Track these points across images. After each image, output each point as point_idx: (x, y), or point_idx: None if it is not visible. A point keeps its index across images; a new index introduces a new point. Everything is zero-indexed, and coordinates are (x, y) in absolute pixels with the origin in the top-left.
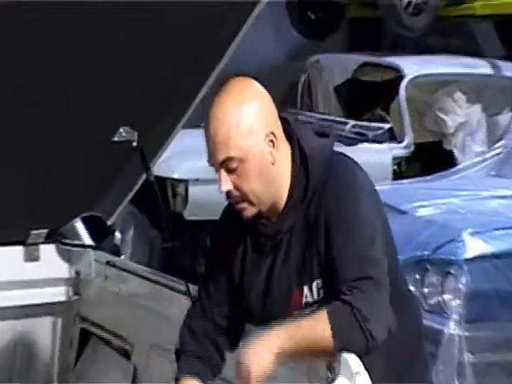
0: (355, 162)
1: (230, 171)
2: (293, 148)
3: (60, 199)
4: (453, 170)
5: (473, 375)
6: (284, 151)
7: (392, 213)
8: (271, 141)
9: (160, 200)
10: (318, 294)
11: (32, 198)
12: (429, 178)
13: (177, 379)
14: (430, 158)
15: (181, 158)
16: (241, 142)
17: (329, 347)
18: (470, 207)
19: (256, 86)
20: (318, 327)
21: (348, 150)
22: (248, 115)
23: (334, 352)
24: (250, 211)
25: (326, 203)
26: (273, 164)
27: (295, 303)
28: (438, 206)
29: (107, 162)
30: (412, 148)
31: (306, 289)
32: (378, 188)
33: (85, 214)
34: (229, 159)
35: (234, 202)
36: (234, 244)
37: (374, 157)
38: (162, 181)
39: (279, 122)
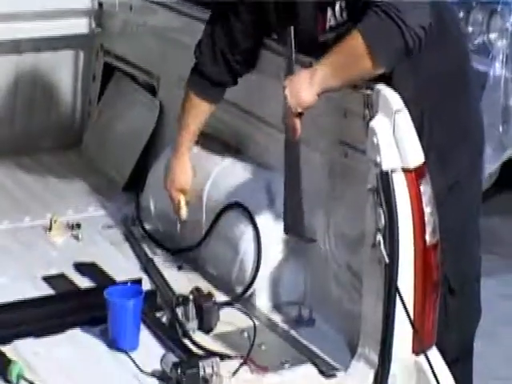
0: None
1: None
2: None
3: None
4: None
5: None
6: None
7: None
8: None
9: None
10: (342, 16)
11: None
12: None
13: (186, 94)
14: None
15: None
16: None
17: (369, 62)
18: None
19: None
20: (352, 46)
21: None
22: None
23: (377, 63)
24: None
25: None
26: None
27: (320, 28)
28: None
29: None
30: None
31: (329, 12)
32: None
33: None
34: None
35: None
36: None
37: None
38: None
39: None
